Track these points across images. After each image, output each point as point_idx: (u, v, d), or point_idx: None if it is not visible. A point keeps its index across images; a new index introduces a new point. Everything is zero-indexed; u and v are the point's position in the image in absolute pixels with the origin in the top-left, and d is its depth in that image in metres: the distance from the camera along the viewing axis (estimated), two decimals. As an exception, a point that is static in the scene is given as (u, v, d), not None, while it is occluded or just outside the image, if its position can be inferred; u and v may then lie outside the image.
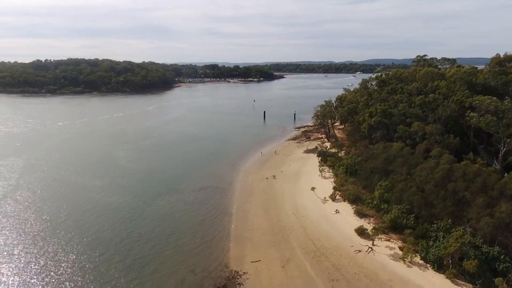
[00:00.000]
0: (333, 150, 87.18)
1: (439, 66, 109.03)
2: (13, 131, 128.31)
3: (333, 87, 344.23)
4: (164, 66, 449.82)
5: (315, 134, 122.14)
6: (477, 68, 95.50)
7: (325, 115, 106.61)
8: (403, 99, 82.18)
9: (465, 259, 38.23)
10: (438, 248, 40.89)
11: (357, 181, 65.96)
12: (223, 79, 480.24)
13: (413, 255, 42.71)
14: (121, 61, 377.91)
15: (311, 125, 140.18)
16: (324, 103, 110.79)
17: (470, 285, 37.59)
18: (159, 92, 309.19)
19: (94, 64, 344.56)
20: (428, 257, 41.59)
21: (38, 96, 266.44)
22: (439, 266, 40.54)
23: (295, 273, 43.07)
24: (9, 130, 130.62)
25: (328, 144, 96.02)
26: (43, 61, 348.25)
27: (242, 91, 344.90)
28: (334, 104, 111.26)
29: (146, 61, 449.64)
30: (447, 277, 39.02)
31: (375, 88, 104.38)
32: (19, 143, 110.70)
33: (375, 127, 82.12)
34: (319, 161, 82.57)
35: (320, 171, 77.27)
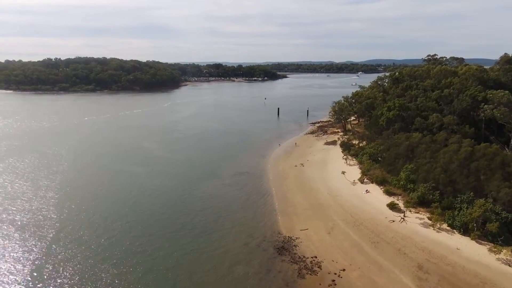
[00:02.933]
0: (354, 142, 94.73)
1: (448, 65, 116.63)
2: (45, 126, 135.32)
3: (338, 86, 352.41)
4: (169, 65, 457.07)
5: (330, 128, 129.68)
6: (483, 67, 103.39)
7: (343, 110, 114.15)
8: (419, 94, 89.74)
9: (487, 223, 45.83)
10: (463, 215, 48.46)
11: (381, 166, 73.44)
12: (227, 78, 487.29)
13: (441, 223, 50.31)
14: (127, 60, 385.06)
15: (325, 120, 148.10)
16: (341, 99, 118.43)
17: (492, 244, 45.14)
18: (168, 90, 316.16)
19: (103, 62, 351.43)
20: (454, 223, 49.14)
21: (51, 94, 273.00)
22: (464, 230, 48.10)
23: (340, 237, 50.61)
24: (40, 124, 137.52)
25: (346, 137, 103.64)
26: (53, 59, 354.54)
27: (248, 89, 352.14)
28: (353, 100, 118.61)
29: (147, 60, 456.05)
30: (472, 239, 46.61)
31: (389, 85, 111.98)
32: (54, 136, 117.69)
33: (393, 120, 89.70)
34: (342, 151, 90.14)
35: (345, 159, 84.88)
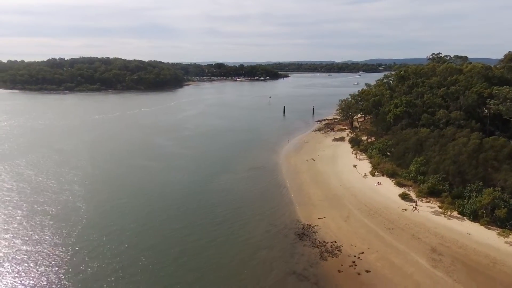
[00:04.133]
0: (363, 138, 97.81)
1: (453, 63, 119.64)
2: (58, 124, 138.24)
3: (340, 86, 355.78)
4: (172, 65, 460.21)
5: (337, 126, 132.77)
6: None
7: (350, 107, 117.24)
8: (426, 91, 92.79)
9: (496, 209, 48.89)
10: (473, 203, 51.54)
11: (391, 160, 76.50)
12: (229, 78, 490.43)
13: (452, 211, 53.37)
14: (131, 59, 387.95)
15: (330, 118, 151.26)
16: (349, 96, 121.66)
17: (500, 228, 48.21)
18: (171, 90, 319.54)
19: (107, 62, 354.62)
20: (464, 211, 52.19)
21: (57, 93, 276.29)
22: (474, 217, 51.16)
23: (357, 225, 53.67)
24: (54, 123, 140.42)
25: (354, 134, 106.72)
26: (58, 59, 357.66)
27: (251, 89, 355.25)
28: (359, 98, 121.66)
29: (150, 60, 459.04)
30: (481, 224, 49.67)
31: (395, 83, 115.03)
32: (69, 133, 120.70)
33: (400, 116, 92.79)
34: (351, 146, 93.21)
35: (355, 154, 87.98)
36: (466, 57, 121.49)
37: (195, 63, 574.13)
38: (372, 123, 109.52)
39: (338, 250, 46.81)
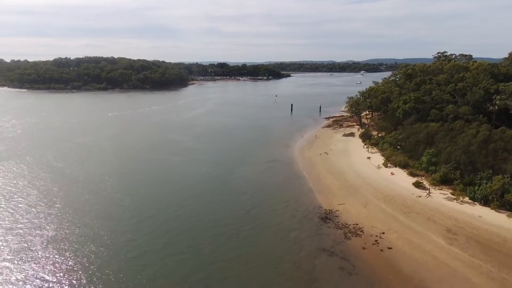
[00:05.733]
0: (373, 133, 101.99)
1: (458, 61, 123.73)
2: (74, 121, 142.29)
3: (343, 85, 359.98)
4: (175, 65, 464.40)
5: (345, 122, 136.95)
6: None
7: (359, 104, 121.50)
8: (434, 88, 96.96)
9: (505, 194, 53.07)
10: (484, 189, 55.72)
11: (402, 153, 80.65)
12: (232, 77, 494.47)
13: (463, 196, 57.56)
14: (135, 59, 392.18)
15: (338, 115, 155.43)
16: (358, 93, 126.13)
17: (510, 212, 52.38)
18: (177, 89, 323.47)
19: (112, 62, 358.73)
20: (475, 196, 56.39)
21: (65, 92, 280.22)
22: (485, 202, 55.35)
23: (375, 210, 57.85)
24: (69, 120, 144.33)
25: (363, 130, 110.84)
26: (63, 58, 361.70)
27: (255, 88, 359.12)
28: (366, 95, 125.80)
29: (154, 59, 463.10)
30: (492, 208, 53.88)
31: (403, 81, 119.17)
32: (87, 130, 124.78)
33: (409, 112, 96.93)
34: (362, 141, 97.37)
35: (366, 148, 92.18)
36: (471, 56, 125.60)
37: (196, 63, 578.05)
38: (380, 120, 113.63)
39: (361, 231, 51.00)
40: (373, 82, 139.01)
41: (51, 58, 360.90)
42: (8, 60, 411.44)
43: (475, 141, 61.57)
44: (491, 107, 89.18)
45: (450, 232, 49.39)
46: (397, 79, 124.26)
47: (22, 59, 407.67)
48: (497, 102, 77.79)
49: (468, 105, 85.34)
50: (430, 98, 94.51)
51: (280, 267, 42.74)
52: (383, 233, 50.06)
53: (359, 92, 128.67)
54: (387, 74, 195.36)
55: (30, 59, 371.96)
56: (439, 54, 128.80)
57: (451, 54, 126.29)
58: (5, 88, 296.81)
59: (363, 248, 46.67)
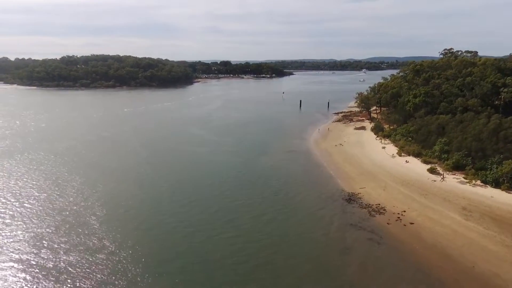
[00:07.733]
0: (385, 126, 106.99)
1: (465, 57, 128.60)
2: (93, 116, 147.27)
3: (347, 82, 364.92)
4: (180, 63, 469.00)
5: (355, 117, 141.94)
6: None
7: (369, 99, 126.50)
8: (443, 82, 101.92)
9: (515, 177, 58.13)
10: (495, 172, 60.75)
11: (415, 143, 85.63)
12: (236, 75, 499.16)
13: (476, 180, 62.60)
14: (141, 57, 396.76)
15: (346, 111, 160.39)
16: (368, 89, 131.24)
17: (519, 193, 57.47)
18: (183, 86, 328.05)
19: (119, 60, 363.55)
20: (487, 179, 61.43)
21: (74, 89, 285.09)
22: (496, 184, 60.36)
23: (394, 192, 62.87)
24: (87, 115, 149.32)
25: (374, 123, 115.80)
26: (71, 56, 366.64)
27: (259, 86, 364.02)
28: (375, 91, 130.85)
29: (159, 58, 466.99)
30: (502, 190, 58.92)
31: (411, 76, 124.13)
32: (108, 124, 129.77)
33: (419, 105, 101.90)
34: (375, 133, 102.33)
35: (379, 139, 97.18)
36: (476, 52, 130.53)
37: (199, 61, 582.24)
38: (389, 114, 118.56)
39: (383, 210, 56.04)
40: (382, 78, 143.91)
41: (54, 57, 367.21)
42: (12, 58, 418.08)
43: (486, 129, 66.57)
44: (496, 101, 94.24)
45: (466, 210, 54.42)
46: (406, 75, 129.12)
47: (26, 58, 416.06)
48: (503, 94, 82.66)
49: (476, 98, 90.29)
50: (439, 92, 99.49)
51: (315, 239, 47.75)
52: (404, 211, 55.08)
53: (369, 87, 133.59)
54: (388, 72, 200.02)
55: (35, 58, 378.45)
56: (446, 51, 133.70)
57: (457, 51, 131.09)
58: (15, 85, 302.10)
59: (388, 223, 51.70)
